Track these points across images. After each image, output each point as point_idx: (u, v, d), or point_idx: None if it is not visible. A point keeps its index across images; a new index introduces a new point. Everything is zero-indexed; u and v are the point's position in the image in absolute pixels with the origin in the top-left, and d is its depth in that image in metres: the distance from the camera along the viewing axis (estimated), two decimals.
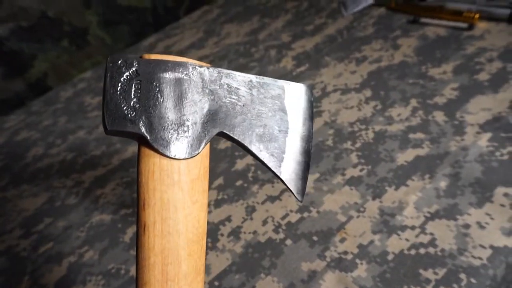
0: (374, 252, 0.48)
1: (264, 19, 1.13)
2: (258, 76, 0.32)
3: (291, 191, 0.32)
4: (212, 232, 0.58)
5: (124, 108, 0.27)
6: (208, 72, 0.30)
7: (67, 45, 1.19)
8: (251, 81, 0.31)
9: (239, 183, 0.65)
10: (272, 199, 0.60)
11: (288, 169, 0.32)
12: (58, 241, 0.67)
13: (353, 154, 0.62)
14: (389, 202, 0.53)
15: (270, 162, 0.31)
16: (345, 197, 0.56)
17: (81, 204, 0.73)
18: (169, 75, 0.28)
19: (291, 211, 0.57)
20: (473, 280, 0.42)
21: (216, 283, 0.52)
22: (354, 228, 0.52)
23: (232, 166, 0.68)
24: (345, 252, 0.50)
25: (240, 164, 0.68)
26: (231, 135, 0.30)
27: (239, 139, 0.30)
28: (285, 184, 0.32)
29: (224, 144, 0.73)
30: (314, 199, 0.57)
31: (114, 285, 0.56)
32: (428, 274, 0.44)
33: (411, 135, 0.61)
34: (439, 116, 0.62)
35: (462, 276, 0.43)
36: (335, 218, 0.54)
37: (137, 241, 0.28)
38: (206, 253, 0.56)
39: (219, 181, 0.67)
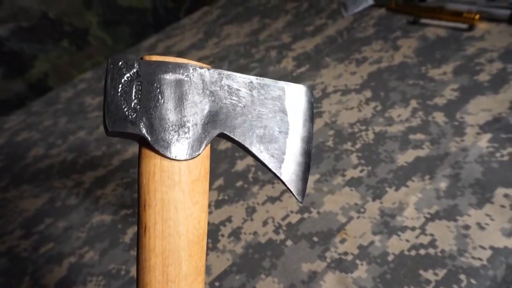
0: (374, 253, 0.49)
1: (264, 20, 1.13)
2: (258, 77, 0.32)
3: (291, 192, 0.32)
4: (213, 232, 0.58)
5: (125, 109, 0.27)
6: (208, 73, 0.30)
7: (67, 46, 1.19)
8: (251, 82, 0.31)
9: (239, 184, 0.65)
10: (272, 200, 0.60)
11: (288, 170, 0.32)
12: (58, 241, 0.67)
13: (353, 155, 0.62)
14: (389, 203, 0.53)
15: (271, 163, 0.31)
16: (345, 198, 0.56)
17: (81, 205, 0.73)
18: (169, 77, 0.28)
19: (291, 212, 0.57)
20: (473, 281, 0.42)
21: (217, 284, 0.52)
22: (354, 229, 0.52)
23: (233, 167, 0.68)
24: (346, 253, 0.50)
25: (240, 165, 0.68)
26: (232, 136, 0.30)
27: (240, 140, 0.30)
28: (286, 185, 0.32)
29: (224, 145, 0.73)
30: (315, 200, 0.57)
31: (115, 286, 0.57)
32: (428, 275, 0.44)
33: (411, 136, 0.61)
34: (439, 117, 0.62)
35: (462, 277, 0.43)
36: (335, 219, 0.54)
37: (138, 242, 0.28)
38: (207, 254, 0.56)
39: (220, 182, 0.67)
